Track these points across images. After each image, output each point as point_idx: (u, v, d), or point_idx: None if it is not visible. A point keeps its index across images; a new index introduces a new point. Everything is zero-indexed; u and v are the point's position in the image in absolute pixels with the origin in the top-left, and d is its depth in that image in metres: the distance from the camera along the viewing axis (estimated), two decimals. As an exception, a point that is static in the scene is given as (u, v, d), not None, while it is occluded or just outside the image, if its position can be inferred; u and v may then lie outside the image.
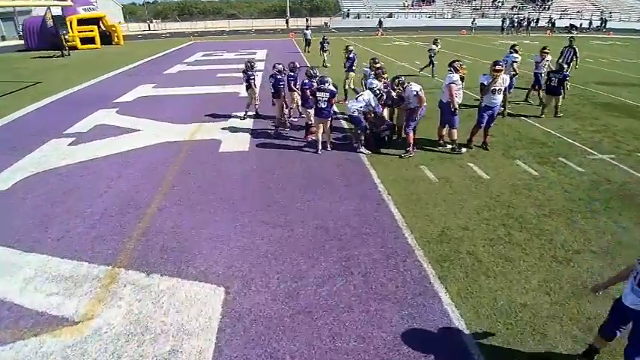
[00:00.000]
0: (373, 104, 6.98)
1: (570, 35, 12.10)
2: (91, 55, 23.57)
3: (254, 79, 9.36)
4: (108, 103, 11.13)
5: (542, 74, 10.23)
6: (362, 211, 5.15)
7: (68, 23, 28.26)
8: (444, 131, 7.35)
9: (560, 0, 54.00)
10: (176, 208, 5.33)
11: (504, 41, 28.61)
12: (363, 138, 7.21)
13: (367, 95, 7.01)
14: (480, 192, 5.66)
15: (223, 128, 8.74)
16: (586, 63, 16.84)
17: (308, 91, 7.34)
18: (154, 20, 59.45)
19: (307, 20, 52.56)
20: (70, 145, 7.93)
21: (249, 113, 9.62)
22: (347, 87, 10.93)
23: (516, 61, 10.50)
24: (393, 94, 7.16)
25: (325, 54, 17.45)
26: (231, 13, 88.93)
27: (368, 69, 8.58)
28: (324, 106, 6.93)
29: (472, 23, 36.71)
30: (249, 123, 9.13)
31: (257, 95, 9.50)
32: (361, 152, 7.11)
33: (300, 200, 5.47)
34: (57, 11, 25.39)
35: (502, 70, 7.02)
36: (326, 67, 16.44)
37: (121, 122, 9.29)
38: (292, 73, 8.82)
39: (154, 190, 5.83)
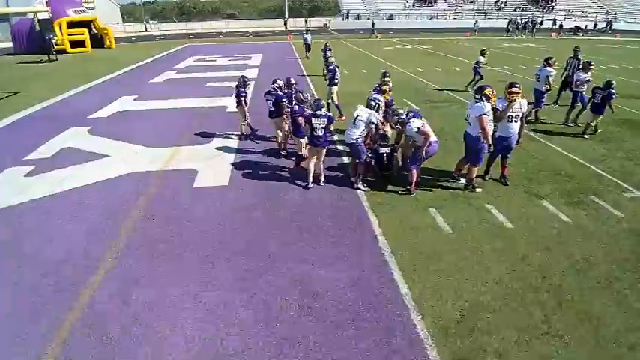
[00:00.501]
0: (374, 121, 5.95)
1: (575, 46, 11.03)
2: (78, 60, 22.57)
3: (245, 96, 8.33)
4: (81, 120, 10.10)
5: (584, 91, 9.12)
6: (359, 280, 4.11)
7: (57, 26, 27.30)
8: (463, 165, 6.27)
9: (564, 1, 52.96)
10: (129, 273, 4.30)
11: (510, 44, 27.53)
12: (362, 172, 6.17)
13: (365, 113, 5.92)
14: (504, 250, 4.63)
15: (203, 153, 7.71)
16: (599, 70, 15.78)
17: (300, 118, 6.31)
18: (150, 21, 58.45)
19: (306, 22, 51.65)
20: (27, 175, 6.91)
21: (244, 133, 8.68)
22: (330, 102, 9.85)
23: (551, 75, 9.27)
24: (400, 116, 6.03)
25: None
26: (230, 13, 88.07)
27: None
28: (320, 134, 5.92)
29: (474, 25, 35.66)
30: (233, 146, 8.10)
31: (247, 114, 8.48)
32: (359, 189, 6.08)
33: (283, 261, 4.45)
34: (45, 14, 24.33)
35: (519, 93, 5.92)
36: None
37: (89, 145, 8.26)
38: (286, 91, 7.77)
39: (105, 246, 4.80)
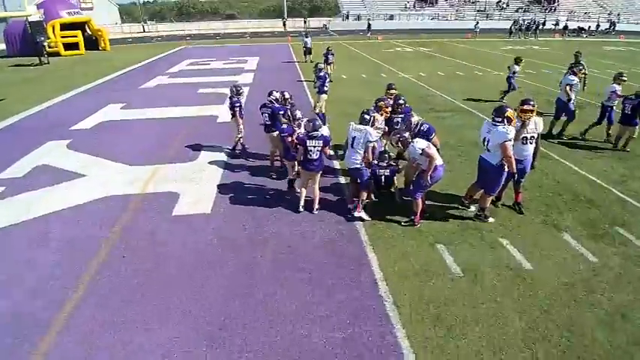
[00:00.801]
0: (371, 138, 5.32)
1: (577, 50, 10.38)
2: (70, 64, 21.94)
3: (240, 106, 7.71)
4: (62, 132, 9.48)
5: (614, 107, 8.35)
6: (356, 347, 3.48)
7: (50, 28, 26.70)
8: (476, 191, 5.58)
9: (567, 1, 52.28)
10: (86, 333, 3.68)
11: (513, 47, 26.85)
12: (363, 197, 5.52)
13: (360, 133, 5.25)
14: (524, 298, 4.00)
15: (187, 172, 7.07)
16: (609, 75, 15.16)
17: (289, 138, 5.69)
18: (148, 22, 57.79)
19: (305, 22, 50.98)
20: (-6, 197, 6.30)
21: (237, 147, 8.11)
22: (317, 111, 9.23)
23: (572, 84, 8.47)
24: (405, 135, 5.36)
25: (330, 67, 15.20)
26: (230, 14, 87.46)
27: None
28: (315, 157, 5.30)
29: (475, 26, 34.94)
30: (220, 163, 7.47)
31: (242, 127, 7.86)
32: (359, 218, 5.42)
33: (265, 318, 3.82)
34: (36, 16, 23.70)
35: (533, 111, 5.25)
36: (331, 81, 14.65)
37: (66, 162, 7.63)
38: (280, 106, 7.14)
39: (65, 292, 4.18)
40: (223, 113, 10.62)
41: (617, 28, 42.43)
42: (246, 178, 6.81)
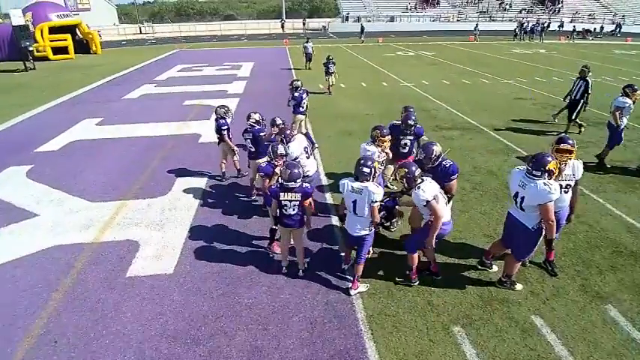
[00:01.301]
0: (375, 198, 4.21)
1: (584, 65, 9.18)
2: (56, 70, 20.94)
3: (227, 129, 6.78)
4: (25, 155, 8.46)
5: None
6: None
7: (38, 32, 25.73)
8: (500, 251, 4.51)
9: (570, 2, 51.21)
10: None
11: (520, 50, 25.76)
12: (359, 273, 4.44)
13: (362, 195, 4.03)
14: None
15: (154, 212, 6.04)
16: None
17: (266, 181, 4.67)
18: (145, 23, 56.77)
19: (304, 24, 49.94)
20: None
21: (228, 174, 7.21)
22: (297, 132, 8.19)
23: (623, 108, 7.10)
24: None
25: (331, 77, 13.66)
26: (229, 14, 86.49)
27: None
28: (292, 213, 4.26)
29: (475, 29, 33.74)
30: (195, 199, 6.44)
31: (234, 148, 6.91)
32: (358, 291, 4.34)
33: None
34: (20, 20, 22.65)
35: (572, 152, 4.23)
36: (331, 93, 13.64)
37: (21, 196, 6.61)
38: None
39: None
40: (207, 131, 9.61)
41: (622, 30, 41.41)
42: (223, 220, 5.79)
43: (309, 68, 18.55)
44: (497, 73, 17.32)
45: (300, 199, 4.12)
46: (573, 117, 9.27)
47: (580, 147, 8.48)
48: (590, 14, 48.55)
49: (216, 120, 6.80)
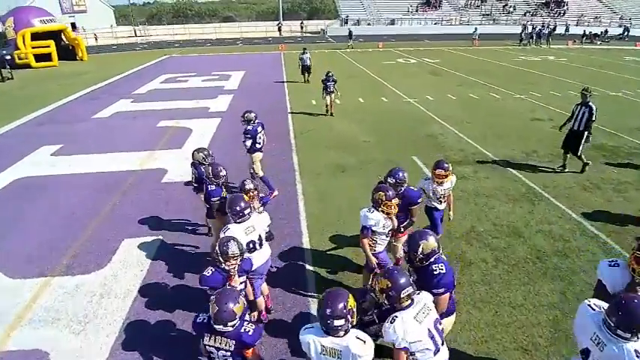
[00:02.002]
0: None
1: (584, 88, 7.67)
2: (34, 80, 19.57)
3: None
4: (-49, 200, 7.07)
5: None
6: None
7: (20, 38, 24.39)
8: None
9: (574, 4, 49.78)
10: None
11: (526, 57, 24.23)
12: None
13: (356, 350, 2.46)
14: None
15: (78, 305, 4.62)
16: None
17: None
18: (139, 25, 55.46)
19: (302, 27, 48.48)
20: None
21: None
22: (255, 172, 6.84)
23: None
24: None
25: (330, 97, 11.68)
26: (227, 16, 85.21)
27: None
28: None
29: (473, 33, 32.11)
30: (138, 272, 5.02)
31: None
32: None
33: None
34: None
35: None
36: (332, 114, 11.94)
37: None
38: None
39: None
40: (174, 166, 8.22)
41: (630, 34, 39.97)
42: (168, 316, 4.37)
43: (307, 81, 16.68)
44: (507, 86, 15.88)
45: (232, 349, 2.62)
46: (579, 153, 7.67)
47: (616, 190, 7.14)
48: (595, 17, 47.12)
49: (194, 166, 5.49)
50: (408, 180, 4.53)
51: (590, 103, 7.52)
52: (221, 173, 4.74)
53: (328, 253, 5.45)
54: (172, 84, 17.35)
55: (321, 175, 7.70)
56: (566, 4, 49.49)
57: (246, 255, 3.59)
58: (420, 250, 3.00)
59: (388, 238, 4.20)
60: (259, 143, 6.66)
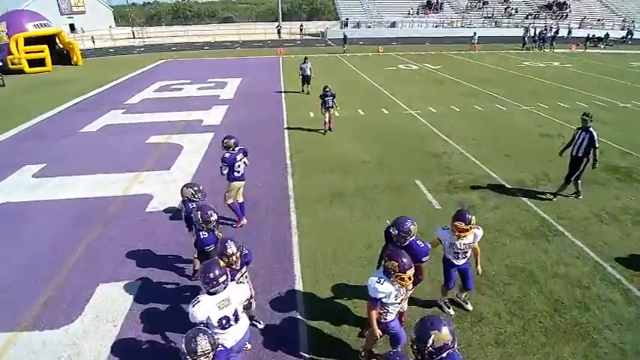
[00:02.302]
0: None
1: (584, 113, 7.12)
2: (25, 87, 19.02)
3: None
4: None
5: None
6: None
7: (13, 43, 23.87)
8: None
9: (576, 7, 49.21)
10: None
11: (531, 63, 23.63)
12: None
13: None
14: None
15: (47, 353, 4.11)
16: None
17: None
18: (137, 27, 54.88)
19: (302, 30, 47.87)
20: None
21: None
22: (230, 202, 6.33)
23: None
24: None
25: (329, 113, 10.91)
26: (227, 17, 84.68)
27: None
28: None
29: (472, 38, 31.33)
30: (108, 340, 4.50)
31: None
32: None
33: None
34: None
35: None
36: (332, 130, 11.25)
37: None
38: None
39: None
40: (160, 192, 7.69)
41: (634, 37, 39.43)
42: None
43: (308, 92, 15.85)
44: (513, 96, 15.34)
45: None
46: (573, 178, 7.16)
47: (634, 222, 6.58)
48: (598, 19, 46.57)
49: (184, 202, 5.02)
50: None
51: (591, 129, 6.95)
52: (212, 218, 4.26)
53: (324, 301, 4.92)
54: (166, 92, 16.82)
55: (318, 203, 7.16)
56: (569, 7, 48.94)
57: (219, 333, 3.09)
58: (431, 341, 2.50)
59: (401, 305, 3.68)
60: (238, 172, 6.11)
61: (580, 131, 7.12)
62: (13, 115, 13.54)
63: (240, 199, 6.39)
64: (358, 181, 7.96)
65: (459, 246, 4.21)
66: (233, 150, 6.02)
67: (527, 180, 8.08)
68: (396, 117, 12.73)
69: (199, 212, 4.29)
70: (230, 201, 6.30)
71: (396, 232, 3.81)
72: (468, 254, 4.32)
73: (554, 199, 7.28)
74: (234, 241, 3.57)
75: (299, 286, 5.15)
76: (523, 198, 7.35)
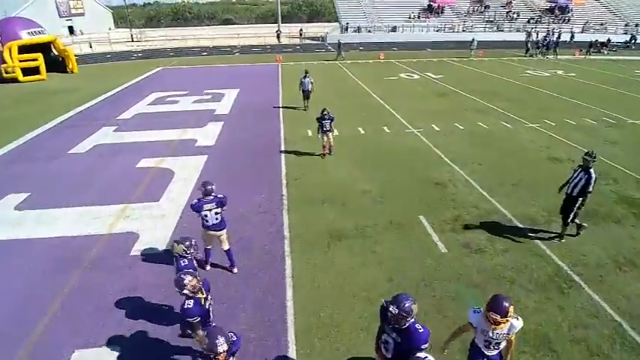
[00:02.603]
0: None
1: (586, 152, 6.59)
2: (15, 99, 18.53)
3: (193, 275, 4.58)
4: None
5: None
6: None
7: (7, 51, 23.43)
8: None
9: (579, 11, 48.71)
10: None
11: (534, 71, 23.11)
12: None
13: None
14: None
15: None
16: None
17: None
18: (135, 30, 54.38)
19: (301, 34, 47.24)
20: None
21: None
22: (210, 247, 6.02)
23: None
24: None
25: (327, 137, 10.31)
26: (227, 18, 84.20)
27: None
28: None
29: (471, 45, 30.69)
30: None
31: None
32: None
33: None
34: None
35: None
36: (330, 153, 10.62)
37: None
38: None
39: None
40: (146, 229, 7.25)
41: (637, 42, 38.92)
42: None
43: (306, 108, 15.10)
44: (518, 111, 14.87)
45: None
46: (570, 220, 6.69)
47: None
48: (601, 23, 46.07)
49: (175, 259, 4.65)
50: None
51: (591, 170, 6.45)
52: (189, 284, 3.87)
53: (320, 374, 4.47)
54: (161, 106, 16.36)
55: (314, 245, 6.69)
56: (571, 11, 48.45)
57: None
58: None
59: None
60: (207, 221, 5.62)
61: (579, 170, 6.62)
62: (2, 132, 13.08)
63: (225, 247, 5.89)
64: (358, 217, 7.49)
65: (492, 335, 3.62)
66: (209, 195, 5.54)
67: (537, 216, 7.61)
68: (397, 136, 12.26)
69: (185, 280, 3.92)
70: (209, 246, 5.88)
71: (396, 311, 3.30)
72: (502, 345, 3.72)
73: (564, 240, 6.81)
74: (224, 335, 3.12)
75: (292, 352, 4.69)
76: (534, 240, 6.87)
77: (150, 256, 6.50)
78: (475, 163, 10.10)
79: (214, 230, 5.69)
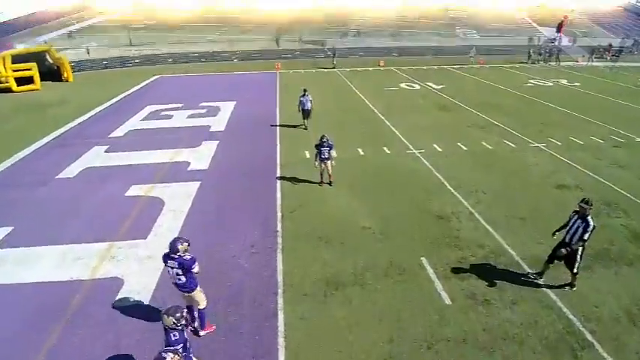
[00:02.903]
0: None
1: (583, 200, 6.13)
2: (7, 112, 18.08)
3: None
4: None
5: None
6: None
7: (1, 61, 23.01)
8: None
9: (580, 15, 48.27)
10: None
11: (536, 81, 22.62)
12: None
13: None
14: None
15: None
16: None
17: None
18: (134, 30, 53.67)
19: (300, 38, 46.64)
20: None
21: None
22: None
23: None
24: None
25: (325, 165, 9.78)
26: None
27: None
28: None
29: (470, 53, 30.31)
30: None
31: None
32: None
33: None
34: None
35: None
36: (331, 184, 10.08)
37: None
38: None
39: None
40: (131, 274, 6.81)
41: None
42: None
43: (305, 127, 14.37)
44: (522, 129, 14.43)
45: None
46: (574, 270, 6.24)
47: None
48: (602, 28, 45.66)
49: (165, 332, 4.21)
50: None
51: (589, 218, 5.99)
52: None
53: None
54: (154, 121, 15.94)
55: (309, 296, 6.26)
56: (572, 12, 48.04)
57: None
58: None
59: None
60: (172, 280, 5.21)
61: (576, 217, 6.13)
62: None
63: (200, 307, 5.38)
64: (357, 260, 7.06)
65: None
66: (181, 254, 5.07)
67: (545, 257, 7.16)
68: (398, 158, 11.84)
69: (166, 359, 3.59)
70: (188, 304, 5.43)
71: None
72: None
73: (575, 289, 6.40)
74: None
75: None
76: (543, 287, 6.46)
77: (134, 307, 6.08)
78: (479, 191, 9.67)
79: (181, 291, 5.25)
